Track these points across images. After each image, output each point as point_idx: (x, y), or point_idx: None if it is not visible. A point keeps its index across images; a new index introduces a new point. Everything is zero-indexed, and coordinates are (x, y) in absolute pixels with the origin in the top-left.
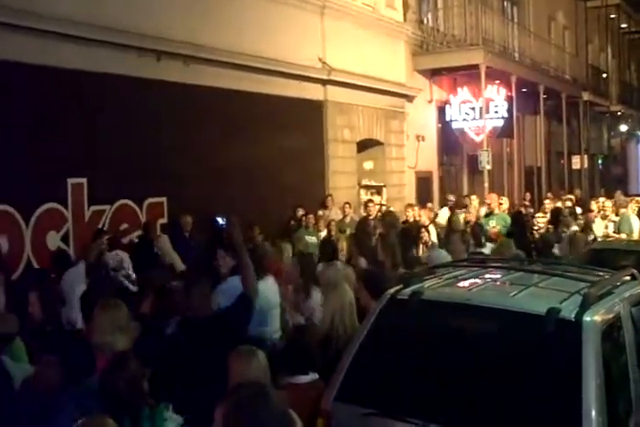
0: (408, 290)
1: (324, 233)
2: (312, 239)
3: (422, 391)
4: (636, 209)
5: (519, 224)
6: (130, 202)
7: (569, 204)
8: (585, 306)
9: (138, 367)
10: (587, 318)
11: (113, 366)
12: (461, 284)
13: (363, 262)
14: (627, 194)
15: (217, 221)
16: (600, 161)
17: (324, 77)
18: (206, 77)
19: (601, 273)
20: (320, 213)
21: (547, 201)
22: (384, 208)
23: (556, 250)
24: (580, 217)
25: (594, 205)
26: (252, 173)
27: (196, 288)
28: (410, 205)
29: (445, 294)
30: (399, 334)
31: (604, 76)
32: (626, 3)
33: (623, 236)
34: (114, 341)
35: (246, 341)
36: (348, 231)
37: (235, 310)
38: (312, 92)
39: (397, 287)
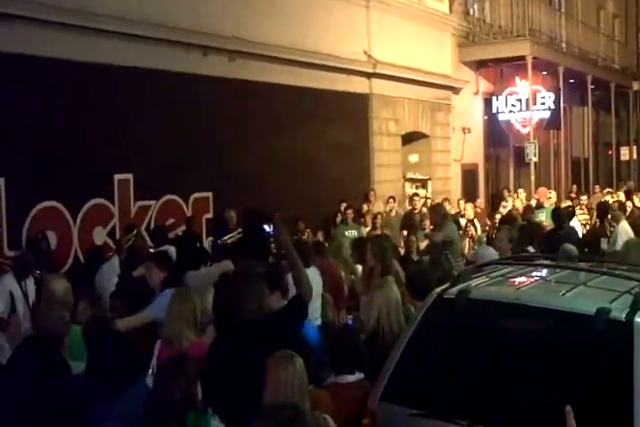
0: (455, 289)
1: (367, 228)
2: (352, 233)
3: (469, 392)
4: None
5: (562, 219)
6: (176, 197)
7: (620, 196)
8: (636, 306)
9: (194, 370)
10: (638, 319)
11: (171, 367)
12: (509, 282)
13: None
14: None
15: (264, 230)
16: None
17: (370, 71)
18: (252, 72)
19: None
20: (365, 207)
21: (583, 197)
22: (429, 201)
23: (604, 245)
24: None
25: None
26: (297, 168)
27: (248, 287)
28: (446, 200)
29: (493, 293)
30: (446, 333)
31: None
32: None
33: None
34: (181, 333)
35: (298, 345)
36: (391, 224)
37: (289, 311)
38: (357, 85)
39: (444, 286)
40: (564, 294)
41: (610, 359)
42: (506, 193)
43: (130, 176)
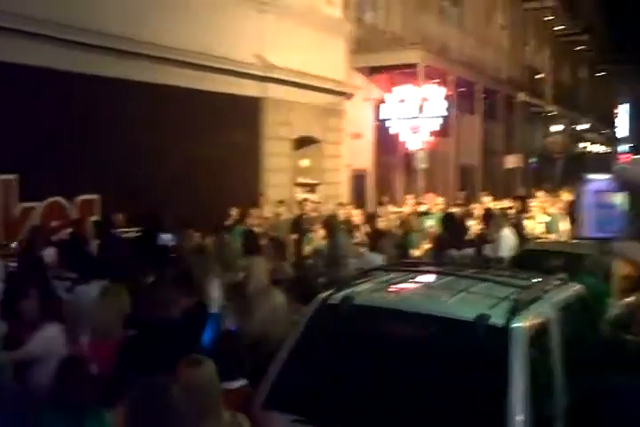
0: (339, 295)
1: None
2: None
3: (351, 399)
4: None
5: (452, 225)
6: (61, 199)
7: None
8: (514, 312)
9: (88, 370)
10: (515, 325)
11: (66, 366)
12: (393, 289)
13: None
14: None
15: (162, 238)
16: (533, 160)
17: (263, 74)
18: (144, 73)
19: (531, 277)
20: (252, 211)
21: (475, 205)
22: (318, 206)
23: (488, 251)
24: (513, 217)
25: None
26: (188, 171)
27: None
28: (341, 204)
29: (376, 300)
30: (330, 339)
31: (540, 76)
32: (561, 5)
33: (552, 236)
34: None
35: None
36: (281, 229)
37: (191, 318)
38: (251, 88)
39: (329, 292)
40: (445, 301)
41: (488, 365)
42: (386, 198)
43: (13, 177)
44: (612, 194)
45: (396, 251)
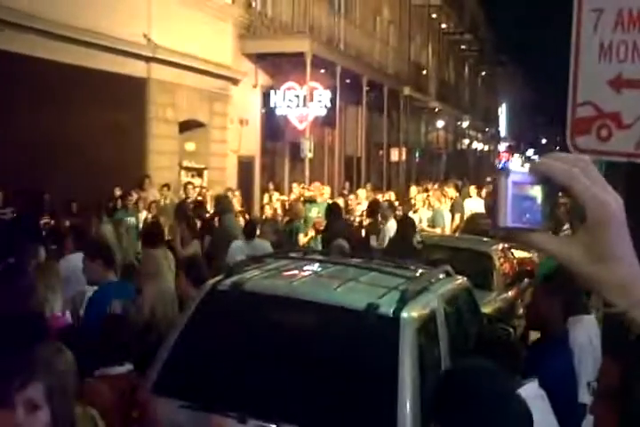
0: (229, 281)
1: (142, 214)
2: (132, 220)
3: (240, 385)
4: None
5: (337, 215)
6: None
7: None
8: (403, 302)
9: None
10: (404, 314)
11: None
12: (283, 275)
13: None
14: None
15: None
16: (417, 154)
17: (149, 55)
18: (21, 45)
19: (418, 268)
20: (137, 194)
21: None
22: (204, 191)
23: (373, 242)
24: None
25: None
26: (67, 147)
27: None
28: (229, 190)
29: (266, 286)
30: (220, 325)
31: (425, 72)
32: (447, 4)
33: (438, 230)
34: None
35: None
36: (167, 214)
37: None
38: (136, 68)
39: (219, 278)
40: (335, 289)
41: (378, 353)
42: (271, 186)
43: None
44: (530, 186)
45: (276, 237)
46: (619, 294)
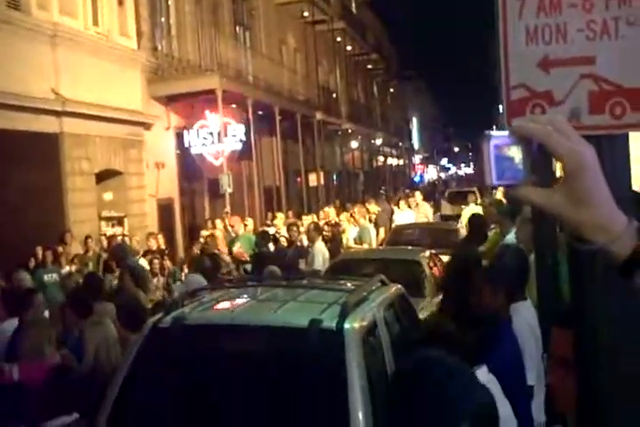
0: (169, 317)
1: (65, 270)
2: (52, 277)
3: (195, 419)
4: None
5: (267, 243)
6: None
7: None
8: (344, 315)
9: None
10: (347, 326)
11: None
12: (223, 305)
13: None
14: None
15: None
16: (335, 177)
17: (59, 109)
18: None
19: (354, 281)
20: (60, 249)
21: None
22: (127, 239)
23: (302, 265)
24: (327, 230)
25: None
26: None
27: None
28: (152, 234)
29: (208, 317)
30: (166, 362)
31: (334, 96)
32: (350, 27)
33: (365, 246)
34: None
35: None
36: (91, 265)
37: None
38: (46, 124)
39: (158, 316)
40: (276, 311)
41: (327, 367)
42: (209, 224)
43: None
44: (508, 147)
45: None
46: (598, 232)
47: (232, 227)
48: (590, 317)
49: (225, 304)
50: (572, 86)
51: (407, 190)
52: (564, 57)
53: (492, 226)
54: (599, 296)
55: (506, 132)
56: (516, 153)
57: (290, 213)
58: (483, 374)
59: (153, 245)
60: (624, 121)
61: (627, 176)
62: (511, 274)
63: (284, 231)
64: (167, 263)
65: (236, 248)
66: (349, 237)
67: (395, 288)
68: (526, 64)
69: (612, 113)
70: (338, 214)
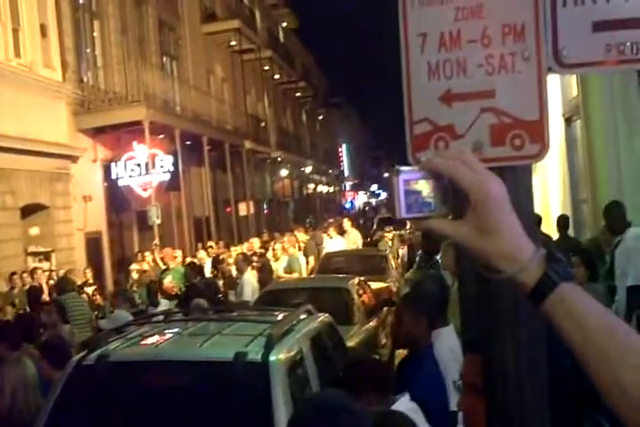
0: (94, 354)
1: None
2: None
3: None
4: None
5: (196, 274)
6: None
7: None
8: (269, 346)
9: None
10: (272, 358)
11: None
12: (148, 341)
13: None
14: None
15: None
16: (265, 205)
17: None
18: None
19: (280, 313)
20: None
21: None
22: (54, 274)
23: (231, 296)
24: (256, 261)
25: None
26: None
27: None
28: (70, 271)
29: (132, 353)
30: (91, 402)
31: (263, 124)
32: (278, 55)
33: (295, 275)
34: None
35: None
36: (17, 302)
37: None
38: None
39: (82, 353)
40: (201, 345)
41: (252, 400)
42: (140, 257)
43: None
44: (416, 182)
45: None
46: (506, 262)
47: (162, 259)
48: (498, 343)
49: (150, 340)
50: (474, 120)
51: (336, 218)
52: (465, 91)
53: (418, 252)
54: (506, 322)
55: (414, 167)
56: (424, 186)
57: (220, 244)
58: (405, 403)
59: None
60: (524, 152)
61: (530, 204)
62: (431, 300)
63: (208, 263)
64: (98, 298)
65: (167, 282)
66: (280, 266)
67: (321, 318)
68: (429, 98)
69: (513, 145)
70: (264, 245)
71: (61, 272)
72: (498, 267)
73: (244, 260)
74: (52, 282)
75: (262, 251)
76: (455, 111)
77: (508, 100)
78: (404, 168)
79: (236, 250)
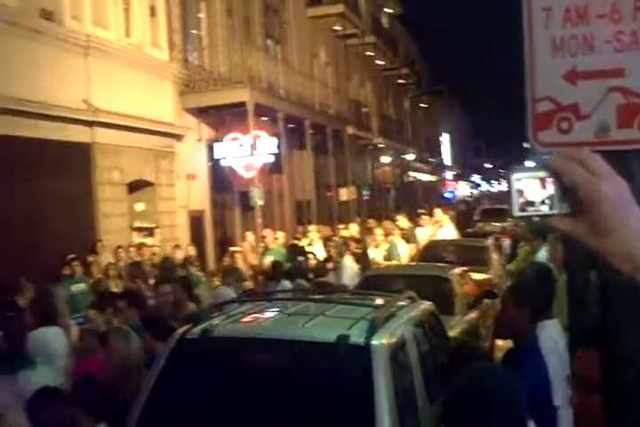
0: (197, 329)
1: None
2: (79, 287)
3: None
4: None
5: (297, 255)
6: None
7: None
8: (372, 330)
9: None
10: (375, 342)
11: None
12: (250, 318)
13: None
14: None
15: None
16: (366, 192)
17: (90, 119)
18: None
19: (382, 297)
20: (90, 258)
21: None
22: (157, 250)
23: (331, 277)
24: (356, 246)
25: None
26: (15, 222)
27: None
28: (177, 246)
29: (236, 330)
30: (193, 373)
31: (365, 110)
32: (381, 41)
33: (394, 262)
34: None
35: None
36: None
37: None
38: (78, 134)
39: (186, 327)
40: (304, 325)
41: (354, 383)
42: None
43: None
44: (534, 180)
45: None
46: (623, 261)
47: (263, 238)
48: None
49: (252, 318)
50: (600, 99)
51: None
52: (592, 69)
53: (521, 244)
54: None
55: (530, 165)
56: (538, 186)
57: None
58: None
59: (179, 256)
60: None
61: None
62: (534, 292)
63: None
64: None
65: (268, 261)
66: (378, 254)
67: (424, 305)
68: (552, 76)
69: None
70: (363, 231)
71: (168, 249)
72: (615, 267)
73: (344, 244)
74: (154, 258)
75: (359, 237)
76: (580, 90)
77: (637, 80)
78: (522, 166)
79: (341, 234)
